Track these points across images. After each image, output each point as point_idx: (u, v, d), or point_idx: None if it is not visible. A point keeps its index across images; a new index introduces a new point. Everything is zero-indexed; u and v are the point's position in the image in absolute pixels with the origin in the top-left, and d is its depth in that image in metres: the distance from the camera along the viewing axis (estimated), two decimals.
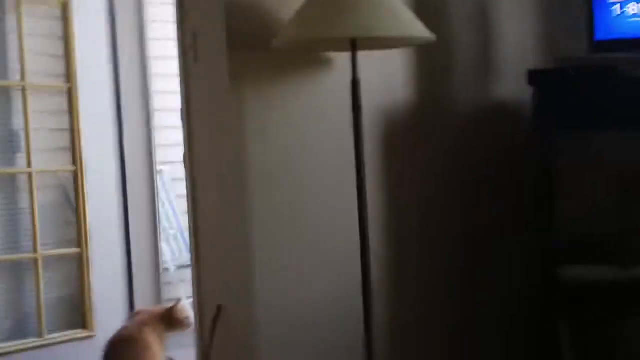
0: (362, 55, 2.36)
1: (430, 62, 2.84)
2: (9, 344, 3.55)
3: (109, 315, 3.76)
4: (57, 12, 3.79)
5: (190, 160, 2.98)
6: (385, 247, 2.79)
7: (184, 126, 3.01)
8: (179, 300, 3.59)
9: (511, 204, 3.04)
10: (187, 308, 3.55)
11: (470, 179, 2.97)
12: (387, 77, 2.75)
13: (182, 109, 3.02)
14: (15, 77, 3.65)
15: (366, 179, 2.41)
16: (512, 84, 2.93)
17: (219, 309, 2.76)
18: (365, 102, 2.39)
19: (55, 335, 3.69)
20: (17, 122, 3.63)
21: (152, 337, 3.40)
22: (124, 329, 3.43)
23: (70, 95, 3.75)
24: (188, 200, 3.01)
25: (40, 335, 3.64)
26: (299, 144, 2.63)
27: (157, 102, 4.24)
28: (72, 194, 3.77)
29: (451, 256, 2.93)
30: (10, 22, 3.66)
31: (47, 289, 3.69)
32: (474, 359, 2.98)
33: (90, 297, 3.75)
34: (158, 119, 4.23)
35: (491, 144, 3.00)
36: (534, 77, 2.56)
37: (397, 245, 2.82)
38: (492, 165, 3.01)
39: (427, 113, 2.87)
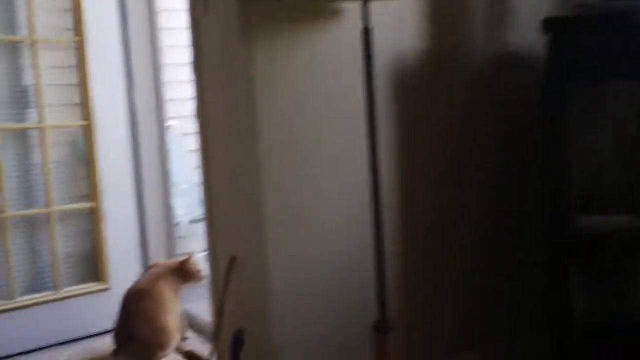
0: (373, 4, 2.35)
1: (443, 10, 2.82)
2: (26, 297, 3.60)
3: (123, 269, 3.81)
4: None
5: (202, 113, 2.98)
6: (398, 195, 2.80)
7: (194, 79, 3.00)
8: (191, 253, 3.63)
9: (524, 152, 3.04)
10: (199, 261, 3.59)
11: (482, 127, 2.97)
12: (399, 26, 2.73)
13: (192, 62, 3.01)
14: (23, 33, 3.63)
15: (378, 128, 2.41)
16: (526, 33, 2.91)
17: (232, 260, 2.80)
18: (376, 52, 2.38)
19: (71, 288, 3.74)
20: (27, 77, 3.63)
21: (166, 289, 3.45)
22: (139, 281, 3.48)
23: (79, 50, 3.73)
24: (199, 154, 3.02)
25: (56, 288, 3.69)
26: (311, 94, 2.63)
27: (166, 56, 4.22)
28: (83, 150, 3.79)
29: (463, 206, 2.95)
30: None
31: (62, 244, 3.74)
32: (485, 307, 3.01)
33: (104, 251, 3.78)
34: (167, 74, 4.22)
35: (504, 93, 2.99)
36: (549, 24, 2.53)
37: (410, 193, 2.83)
38: (505, 114, 3.01)
39: (439, 62, 2.85)
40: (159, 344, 3.32)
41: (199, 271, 3.55)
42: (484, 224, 2.99)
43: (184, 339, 3.56)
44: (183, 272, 3.55)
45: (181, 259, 3.60)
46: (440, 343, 2.92)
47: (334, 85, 2.67)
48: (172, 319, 3.41)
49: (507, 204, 3.03)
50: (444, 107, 2.88)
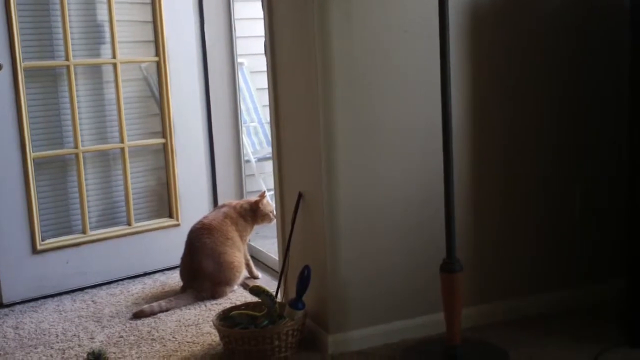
0: None
1: None
2: (99, 231, 3.70)
3: (193, 206, 3.86)
4: None
5: (272, 50, 2.96)
6: (468, 134, 2.76)
7: (265, 15, 2.98)
8: (262, 193, 3.64)
9: (604, 96, 2.94)
10: (270, 202, 3.61)
11: (562, 69, 2.87)
12: None
13: None
14: None
15: (450, 64, 2.36)
16: None
17: (300, 197, 2.80)
18: None
19: (143, 223, 3.82)
20: (102, 13, 3.65)
21: (232, 227, 3.48)
22: (205, 217, 3.53)
23: None
24: (269, 92, 3.02)
25: (129, 223, 3.77)
26: (384, 30, 2.58)
27: None
28: (155, 87, 3.82)
29: (538, 147, 2.88)
30: None
31: (135, 179, 3.80)
32: (556, 251, 2.96)
33: (176, 187, 3.84)
34: (238, 11, 4.20)
35: (589, 35, 2.88)
36: None
37: (481, 133, 2.78)
38: (588, 56, 2.90)
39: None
40: (224, 279, 3.38)
41: (271, 212, 3.57)
42: (559, 167, 2.92)
43: (255, 278, 3.60)
44: (255, 213, 3.57)
45: (252, 199, 3.62)
46: (508, 284, 2.89)
47: (409, 21, 2.61)
48: (236, 255, 3.44)
49: (585, 149, 2.94)
50: (521, 48, 2.79)
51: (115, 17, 3.59)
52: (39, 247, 3.48)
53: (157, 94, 3.82)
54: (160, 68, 3.76)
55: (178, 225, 3.84)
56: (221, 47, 4.07)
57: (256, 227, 3.66)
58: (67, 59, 3.51)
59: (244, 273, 3.53)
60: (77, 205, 3.64)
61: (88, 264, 3.61)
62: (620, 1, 2.80)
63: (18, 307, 3.40)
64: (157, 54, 3.75)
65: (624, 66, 2.59)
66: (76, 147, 3.58)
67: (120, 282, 3.69)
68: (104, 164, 3.77)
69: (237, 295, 3.38)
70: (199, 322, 3.07)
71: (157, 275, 3.77)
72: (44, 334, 3.05)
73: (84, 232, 3.63)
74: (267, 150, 4.68)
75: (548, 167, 2.89)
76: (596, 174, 2.96)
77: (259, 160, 4.78)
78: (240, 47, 4.19)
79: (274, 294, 2.79)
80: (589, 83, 2.90)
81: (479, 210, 2.80)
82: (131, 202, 3.75)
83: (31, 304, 3.43)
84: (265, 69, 3.04)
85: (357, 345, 2.67)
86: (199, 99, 3.94)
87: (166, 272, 3.80)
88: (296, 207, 2.83)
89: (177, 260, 3.51)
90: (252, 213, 3.58)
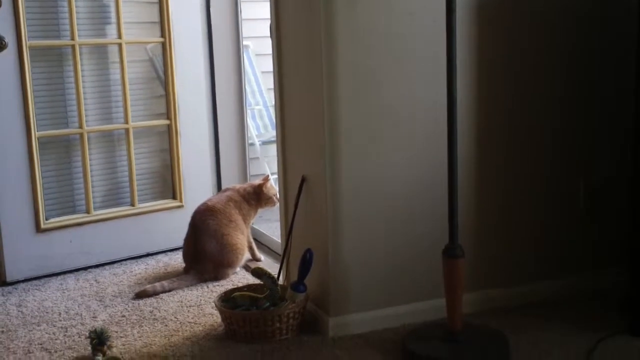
0: None
1: None
2: (103, 211, 3.71)
3: (197, 187, 3.87)
4: None
5: (278, 33, 2.95)
6: (473, 121, 2.75)
7: None
8: (267, 176, 3.65)
9: (611, 86, 2.93)
10: (274, 185, 3.62)
11: (567, 59, 2.86)
12: None
13: None
14: None
15: (456, 47, 2.35)
16: None
17: (303, 180, 2.81)
18: None
19: (147, 204, 3.82)
20: None
21: (234, 212, 3.49)
22: (209, 200, 3.54)
23: None
24: (274, 75, 3.01)
25: (132, 204, 3.78)
26: (390, 12, 2.58)
27: None
28: (160, 68, 3.82)
29: (542, 134, 2.87)
30: None
31: (139, 160, 3.81)
32: (558, 239, 2.96)
33: (179, 169, 3.84)
34: None
35: (592, 18, 2.87)
36: None
37: (485, 120, 2.78)
38: (591, 42, 2.89)
39: None
40: (226, 261, 3.39)
41: (274, 195, 3.57)
42: (562, 154, 2.91)
43: (257, 260, 3.61)
44: (258, 196, 3.58)
45: (256, 182, 3.63)
46: (510, 271, 2.89)
47: (414, 3, 2.60)
48: (239, 237, 3.46)
49: (590, 138, 2.94)
50: (527, 35, 2.78)
51: None
52: (42, 226, 3.49)
53: (162, 75, 3.82)
54: (165, 49, 3.75)
55: (181, 206, 3.85)
56: (227, 29, 4.06)
57: (259, 210, 3.67)
58: (72, 38, 3.50)
59: (247, 255, 3.54)
60: (81, 185, 3.65)
61: (91, 243, 3.63)
62: None
63: (21, 285, 3.42)
64: (163, 35, 3.75)
65: (630, 61, 2.58)
66: (81, 127, 3.58)
67: (123, 262, 3.70)
68: (109, 145, 3.77)
69: (239, 277, 3.40)
70: (201, 303, 3.09)
71: (160, 256, 3.78)
72: (47, 312, 3.06)
73: (87, 212, 3.64)
74: (272, 133, 4.68)
75: (552, 155, 2.89)
76: (600, 162, 2.96)
77: (263, 143, 4.78)
78: (246, 29, 4.18)
79: (275, 276, 2.80)
80: (595, 72, 2.89)
81: (482, 196, 2.80)
82: (135, 182, 3.76)
83: (34, 282, 3.45)
84: (270, 51, 3.03)
85: (358, 328, 2.68)
86: (204, 81, 3.94)
87: (169, 253, 3.81)
88: (299, 190, 2.83)
89: (180, 242, 3.53)
90: (256, 196, 3.59)
